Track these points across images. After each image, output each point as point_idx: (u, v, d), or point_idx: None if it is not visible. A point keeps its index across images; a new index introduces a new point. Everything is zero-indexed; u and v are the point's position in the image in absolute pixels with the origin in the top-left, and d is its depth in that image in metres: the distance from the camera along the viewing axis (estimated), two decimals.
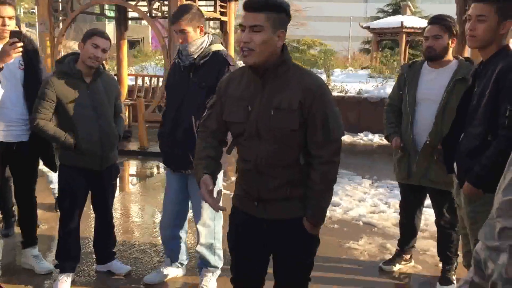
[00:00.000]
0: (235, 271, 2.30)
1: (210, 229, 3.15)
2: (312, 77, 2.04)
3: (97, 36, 3.04)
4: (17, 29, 3.08)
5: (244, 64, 2.03)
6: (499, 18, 2.33)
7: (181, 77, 3.02)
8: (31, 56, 3.20)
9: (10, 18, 3.07)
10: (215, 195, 2.08)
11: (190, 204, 3.25)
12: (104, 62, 3.23)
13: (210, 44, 2.99)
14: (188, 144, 2.90)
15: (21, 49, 2.89)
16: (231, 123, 2.10)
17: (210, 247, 3.18)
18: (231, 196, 2.30)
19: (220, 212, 3.08)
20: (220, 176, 3.11)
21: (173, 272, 3.41)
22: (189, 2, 7.62)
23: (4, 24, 3.04)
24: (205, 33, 3.02)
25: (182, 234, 3.32)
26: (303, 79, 2.00)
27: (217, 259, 3.22)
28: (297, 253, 2.13)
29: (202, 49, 2.96)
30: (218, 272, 3.26)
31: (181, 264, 3.43)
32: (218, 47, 3.03)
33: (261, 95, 2.01)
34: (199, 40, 2.96)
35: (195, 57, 2.95)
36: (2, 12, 3.03)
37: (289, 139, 2.00)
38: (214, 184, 2.10)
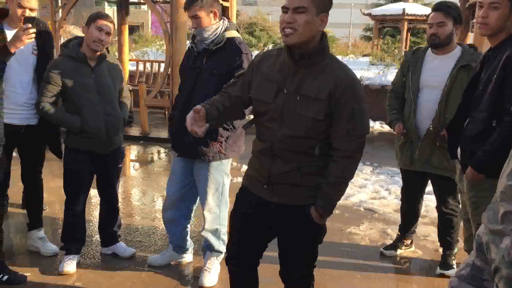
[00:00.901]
0: (233, 249, 2.31)
1: (215, 215, 3.17)
2: (346, 69, 2.02)
3: (101, 19, 3.05)
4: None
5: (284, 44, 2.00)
6: (511, 5, 2.34)
7: (194, 62, 3.02)
8: (44, 42, 3.21)
9: (31, 10, 3.06)
10: (203, 129, 2.03)
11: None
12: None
13: (224, 31, 2.97)
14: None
15: (33, 35, 2.89)
16: (257, 100, 2.09)
17: (215, 232, 3.21)
18: (233, 181, 2.32)
19: (227, 198, 3.18)
20: (222, 169, 3.11)
21: (176, 257, 3.44)
22: None
23: (24, 15, 3.03)
24: (220, 19, 2.99)
25: (184, 219, 3.30)
26: (337, 70, 1.99)
27: (222, 244, 3.25)
28: (301, 240, 2.15)
29: (216, 35, 2.93)
30: (222, 256, 3.30)
31: (186, 249, 3.44)
32: (232, 33, 3.00)
33: (292, 80, 2.00)
34: (214, 26, 2.94)
35: (208, 42, 2.94)
36: (26, 3, 3.03)
37: (311, 127, 1.99)
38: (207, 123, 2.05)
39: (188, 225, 3.38)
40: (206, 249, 3.32)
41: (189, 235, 3.43)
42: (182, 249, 3.42)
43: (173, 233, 3.35)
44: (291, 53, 1.99)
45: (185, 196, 3.23)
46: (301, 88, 1.98)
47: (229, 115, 2.26)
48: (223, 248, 3.24)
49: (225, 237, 3.24)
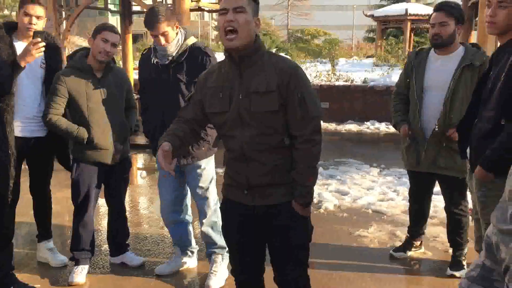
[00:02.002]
0: (233, 261, 2.36)
1: (214, 208, 3.24)
2: (286, 60, 2.14)
3: (107, 30, 3.07)
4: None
5: (225, 51, 2.10)
6: None
7: (159, 75, 3.03)
8: (52, 55, 3.24)
9: (38, 17, 3.11)
10: (173, 165, 2.10)
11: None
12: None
13: (184, 39, 3.01)
14: None
15: (43, 48, 2.92)
16: (214, 114, 2.15)
17: (215, 225, 3.25)
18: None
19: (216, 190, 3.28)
20: (212, 162, 3.25)
21: (184, 262, 3.46)
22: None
23: (30, 23, 3.08)
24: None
25: (186, 217, 3.37)
26: (278, 63, 2.09)
27: (222, 237, 3.26)
28: (290, 237, 2.17)
29: (179, 46, 2.99)
30: (227, 256, 3.25)
31: (192, 252, 3.47)
32: (192, 40, 3.05)
33: (239, 82, 2.08)
34: (176, 38, 2.97)
35: (175, 55, 2.97)
36: (30, 10, 3.07)
37: (271, 121, 2.06)
38: (174, 157, 2.11)
39: (190, 223, 3.42)
40: (210, 252, 3.34)
41: (192, 234, 3.46)
42: (187, 249, 3.43)
43: (177, 234, 3.39)
44: (232, 58, 2.08)
45: (179, 197, 3.31)
46: (250, 87, 2.06)
47: (190, 140, 2.30)
48: (224, 241, 3.25)
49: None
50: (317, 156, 2.14)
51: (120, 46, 9.91)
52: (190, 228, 3.44)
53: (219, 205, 3.17)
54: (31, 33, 3.08)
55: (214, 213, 3.25)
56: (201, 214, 3.28)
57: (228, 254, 3.22)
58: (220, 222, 3.15)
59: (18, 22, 3.15)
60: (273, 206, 2.15)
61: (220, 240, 3.26)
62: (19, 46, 3.06)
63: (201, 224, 3.28)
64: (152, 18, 2.88)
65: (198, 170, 3.17)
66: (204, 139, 3.07)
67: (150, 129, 3.18)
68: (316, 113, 2.09)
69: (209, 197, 3.25)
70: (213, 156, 3.26)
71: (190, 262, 3.49)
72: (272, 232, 2.20)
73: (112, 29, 3.12)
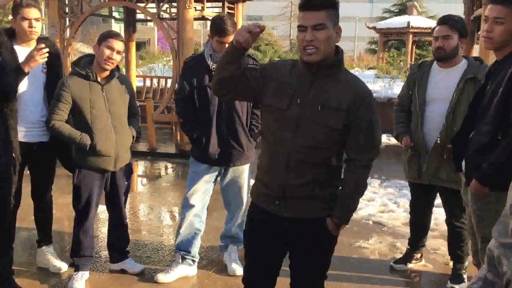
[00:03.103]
0: (249, 270, 2.31)
1: (244, 211, 3.48)
2: (361, 82, 2.10)
3: (112, 38, 3.09)
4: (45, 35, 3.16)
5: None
6: None
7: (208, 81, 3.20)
8: (53, 60, 3.26)
9: (36, 19, 3.13)
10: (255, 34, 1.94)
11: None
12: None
13: None
14: (232, 138, 3.28)
15: (47, 54, 2.95)
16: (271, 107, 2.06)
17: (241, 224, 3.51)
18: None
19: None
20: (247, 169, 3.47)
21: (185, 270, 3.46)
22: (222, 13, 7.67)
23: (31, 26, 3.11)
24: None
25: (200, 224, 3.46)
26: (354, 82, 2.06)
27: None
28: (315, 252, 2.15)
29: None
30: (239, 245, 3.63)
31: (193, 261, 3.49)
32: None
33: (309, 89, 2.02)
34: None
35: None
36: (28, 14, 3.09)
37: (327, 137, 2.02)
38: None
39: (201, 232, 3.49)
40: (226, 243, 3.64)
41: (199, 245, 3.52)
42: (189, 257, 3.45)
43: (189, 248, 3.43)
44: (307, 65, 2.01)
45: (206, 204, 3.49)
46: (319, 98, 2.00)
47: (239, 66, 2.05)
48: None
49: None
50: (366, 183, 2.14)
51: (124, 54, 9.96)
52: (199, 238, 3.50)
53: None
54: (33, 37, 3.12)
55: (244, 214, 3.47)
56: (234, 215, 3.54)
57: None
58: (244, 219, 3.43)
59: (16, 28, 3.15)
60: (304, 219, 2.11)
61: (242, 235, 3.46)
62: (19, 51, 3.10)
63: (231, 225, 3.55)
64: (224, 27, 3.12)
65: (240, 175, 3.44)
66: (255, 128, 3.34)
67: (199, 135, 3.29)
68: (377, 141, 2.10)
69: (244, 202, 3.51)
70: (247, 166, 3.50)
71: (190, 271, 3.49)
72: (298, 245, 2.16)
73: (117, 36, 3.14)
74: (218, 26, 3.13)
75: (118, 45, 3.11)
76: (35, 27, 3.13)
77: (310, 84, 2.02)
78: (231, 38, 3.04)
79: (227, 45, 3.01)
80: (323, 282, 2.27)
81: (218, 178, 3.49)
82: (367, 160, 2.07)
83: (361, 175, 2.09)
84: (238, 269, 3.48)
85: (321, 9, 1.91)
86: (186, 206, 3.41)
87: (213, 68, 3.16)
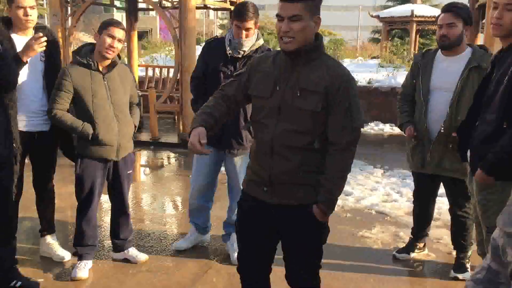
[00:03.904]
0: (242, 258, 2.33)
1: None
2: (341, 66, 2.10)
3: (113, 26, 3.07)
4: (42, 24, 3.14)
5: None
6: None
7: (225, 65, 3.32)
8: (51, 49, 3.24)
9: (31, 7, 3.11)
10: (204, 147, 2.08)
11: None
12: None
13: (257, 39, 3.33)
14: (233, 128, 3.32)
15: (45, 43, 2.93)
16: (255, 97, 2.15)
17: None
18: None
19: None
20: (246, 160, 3.38)
21: (199, 238, 3.80)
22: None
23: (26, 14, 3.10)
24: None
25: (208, 203, 3.69)
26: (333, 66, 2.07)
27: None
28: (305, 240, 2.15)
29: (253, 43, 3.29)
30: None
31: (204, 229, 3.79)
32: (262, 41, 3.40)
33: (290, 76, 2.06)
34: (254, 36, 3.29)
35: (247, 50, 3.27)
36: (23, 2, 3.07)
37: (309, 121, 2.04)
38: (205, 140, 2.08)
39: (210, 209, 3.75)
40: (230, 231, 3.66)
41: (210, 216, 3.79)
42: (206, 229, 3.80)
43: (199, 218, 3.72)
44: (288, 52, 2.05)
45: (210, 184, 3.62)
46: (299, 83, 2.04)
47: (223, 119, 2.27)
48: None
49: None
50: (349, 166, 2.11)
51: (125, 43, 9.92)
52: (210, 212, 3.76)
53: None
54: (29, 25, 3.11)
55: None
56: (233, 202, 3.54)
57: None
58: None
59: (12, 16, 3.13)
60: (292, 206, 2.12)
61: None
62: (16, 40, 3.09)
63: (232, 212, 3.59)
64: (244, 12, 3.17)
65: (237, 164, 3.48)
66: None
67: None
68: (358, 125, 2.08)
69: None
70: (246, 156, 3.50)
71: (205, 238, 3.84)
72: (288, 233, 2.17)
73: (118, 25, 3.11)
74: (238, 10, 3.20)
75: (119, 33, 3.08)
76: (30, 15, 3.11)
77: (291, 71, 2.06)
78: (249, 24, 3.18)
79: (244, 32, 3.19)
80: (316, 271, 2.25)
81: (223, 168, 3.61)
82: (346, 143, 2.05)
83: (341, 159, 2.07)
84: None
85: (298, 1, 1.95)
86: (192, 181, 3.64)
87: (229, 53, 3.28)
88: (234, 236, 3.65)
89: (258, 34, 3.33)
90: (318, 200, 2.08)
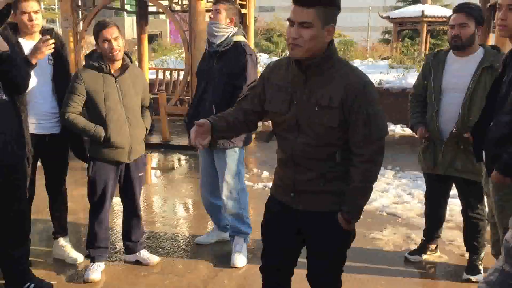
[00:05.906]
0: (266, 259, 2.33)
1: (236, 200, 3.59)
2: (356, 73, 1.99)
3: (102, 30, 3.06)
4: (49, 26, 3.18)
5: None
6: None
7: (208, 63, 3.48)
8: (59, 51, 3.29)
9: (35, 12, 3.15)
10: (205, 141, 2.08)
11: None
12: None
13: (233, 35, 3.42)
14: None
15: (53, 45, 2.97)
16: (272, 112, 2.11)
17: (238, 216, 3.61)
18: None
19: (244, 186, 3.65)
20: (241, 153, 3.60)
21: (221, 235, 3.90)
22: None
23: (31, 19, 3.13)
24: (235, 26, 3.46)
25: (218, 202, 3.72)
26: (347, 75, 1.96)
27: (247, 227, 3.69)
28: (330, 244, 2.14)
29: (225, 37, 3.39)
30: (248, 238, 3.73)
31: (226, 228, 3.84)
32: (239, 38, 3.45)
33: (303, 89, 2.00)
34: (227, 29, 3.39)
35: (218, 43, 3.38)
36: (27, 7, 3.11)
37: (328, 134, 1.99)
38: (211, 136, 2.10)
39: (221, 207, 3.74)
40: (233, 234, 3.68)
41: (221, 215, 3.82)
42: (225, 227, 3.86)
43: (215, 215, 3.84)
44: (299, 64, 1.98)
45: (215, 181, 3.66)
46: (312, 97, 1.98)
47: (243, 127, 2.27)
48: (249, 230, 3.70)
49: (248, 220, 3.70)
50: (375, 177, 2.05)
51: (136, 46, 9.99)
52: (219, 209, 3.80)
53: (244, 197, 3.66)
54: (35, 30, 3.15)
55: (237, 205, 3.59)
56: (224, 203, 3.60)
57: (249, 237, 3.71)
58: (244, 214, 3.65)
59: (17, 21, 3.17)
60: (317, 212, 2.10)
61: (245, 228, 3.66)
62: (24, 44, 3.14)
63: (224, 212, 3.66)
64: None
65: (222, 161, 3.52)
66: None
67: (188, 113, 3.64)
68: (380, 134, 2.00)
69: (231, 189, 3.56)
70: (239, 152, 3.56)
71: (225, 235, 3.88)
72: (313, 237, 2.17)
73: (106, 25, 3.09)
74: None
75: (112, 32, 3.07)
76: (35, 20, 3.15)
77: (304, 84, 2.00)
78: (217, 6, 3.40)
79: (215, 13, 3.41)
80: (338, 275, 2.25)
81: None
82: (370, 154, 1.98)
83: (366, 169, 2.00)
84: (238, 261, 3.53)
85: (311, 6, 1.84)
86: (201, 189, 3.81)
87: (206, 48, 3.53)
88: (237, 239, 3.66)
89: (234, 31, 3.42)
90: (342, 209, 2.06)
